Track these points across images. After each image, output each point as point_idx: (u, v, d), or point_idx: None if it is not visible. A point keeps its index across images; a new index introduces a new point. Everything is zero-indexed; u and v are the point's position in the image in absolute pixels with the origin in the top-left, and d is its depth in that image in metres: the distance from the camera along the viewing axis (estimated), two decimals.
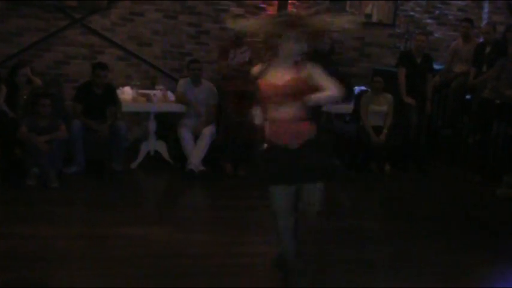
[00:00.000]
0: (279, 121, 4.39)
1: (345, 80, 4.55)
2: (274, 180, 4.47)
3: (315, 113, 4.57)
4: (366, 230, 6.41)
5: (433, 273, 5.39)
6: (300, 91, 4.31)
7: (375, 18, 10.54)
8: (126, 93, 8.51)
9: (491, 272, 5.60)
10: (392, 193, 8.16)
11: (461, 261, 5.68)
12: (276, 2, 9.69)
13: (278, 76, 4.37)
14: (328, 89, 4.32)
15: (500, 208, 7.57)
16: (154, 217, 6.59)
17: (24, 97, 7.88)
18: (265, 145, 4.55)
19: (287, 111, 4.34)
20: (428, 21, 10.95)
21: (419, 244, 6.09)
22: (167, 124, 8.58)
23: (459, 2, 11.05)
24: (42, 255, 5.24)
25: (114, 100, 8.22)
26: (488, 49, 9.30)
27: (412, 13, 10.81)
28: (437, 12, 10.99)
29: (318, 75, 4.36)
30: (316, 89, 4.33)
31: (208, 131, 8.22)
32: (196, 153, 8.14)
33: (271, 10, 9.73)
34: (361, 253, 4.97)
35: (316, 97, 4.32)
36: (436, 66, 9.52)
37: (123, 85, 8.73)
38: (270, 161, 4.48)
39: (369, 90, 9.37)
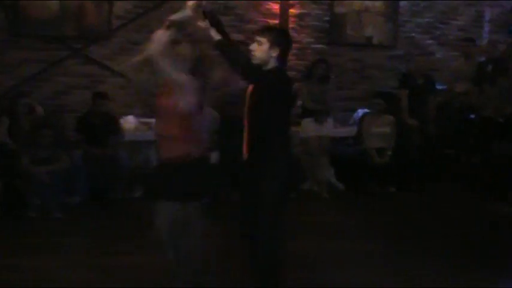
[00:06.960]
0: None
1: None
2: None
3: None
4: (366, 252, 6.34)
5: None
6: None
7: (375, 41, 10.57)
8: (128, 122, 8.51)
9: None
10: (395, 214, 8.10)
11: (465, 282, 5.62)
12: None
13: None
14: None
15: (505, 228, 7.52)
16: (159, 246, 6.52)
17: (26, 128, 7.85)
18: None
19: None
20: (429, 41, 10.97)
21: (424, 265, 6.02)
22: None
23: (459, 22, 11.08)
24: (46, 287, 5.19)
25: (115, 129, 8.19)
26: (489, 67, 9.29)
27: (412, 34, 10.84)
28: (437, 32, 11.01)
29: None
30: None
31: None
32: None
33: None
34: (359, 276, 4.86)
35: None
36: (437, 87, 9.51)
37: (125, 114, 8.72)
38: None
39: (370, 112, 9.36)
